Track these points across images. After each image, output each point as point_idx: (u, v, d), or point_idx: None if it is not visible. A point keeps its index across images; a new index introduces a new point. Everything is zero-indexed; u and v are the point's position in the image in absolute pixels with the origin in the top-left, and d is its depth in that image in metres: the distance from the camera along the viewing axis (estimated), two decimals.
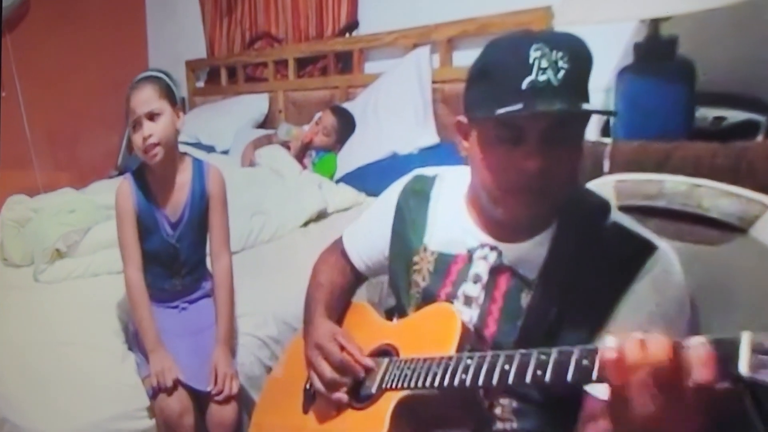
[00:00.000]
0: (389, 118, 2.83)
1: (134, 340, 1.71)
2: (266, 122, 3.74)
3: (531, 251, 1.02)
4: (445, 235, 1.14)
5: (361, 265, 1.35)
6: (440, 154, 2.52)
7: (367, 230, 1.33)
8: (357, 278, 1.37)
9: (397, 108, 2.82)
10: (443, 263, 1.13)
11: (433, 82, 2.80)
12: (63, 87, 4.15)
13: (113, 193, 1.66)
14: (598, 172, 1.47)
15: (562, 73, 0.90)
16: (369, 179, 2.67)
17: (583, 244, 0.99)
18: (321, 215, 2.60)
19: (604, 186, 1.27)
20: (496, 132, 0.97)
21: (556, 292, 0.98)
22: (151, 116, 1.56)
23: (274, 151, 3.10)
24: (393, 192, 1.26)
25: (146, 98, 1.56)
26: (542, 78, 0.90)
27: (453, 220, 1.14)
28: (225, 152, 3.51)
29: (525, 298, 1.02)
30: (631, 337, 0.71)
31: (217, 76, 4.24)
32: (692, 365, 0.66)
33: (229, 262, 1.70)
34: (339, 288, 1.34)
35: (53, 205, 2.30)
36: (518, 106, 0.90)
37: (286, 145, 3.15)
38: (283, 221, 2.48)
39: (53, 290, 2.03)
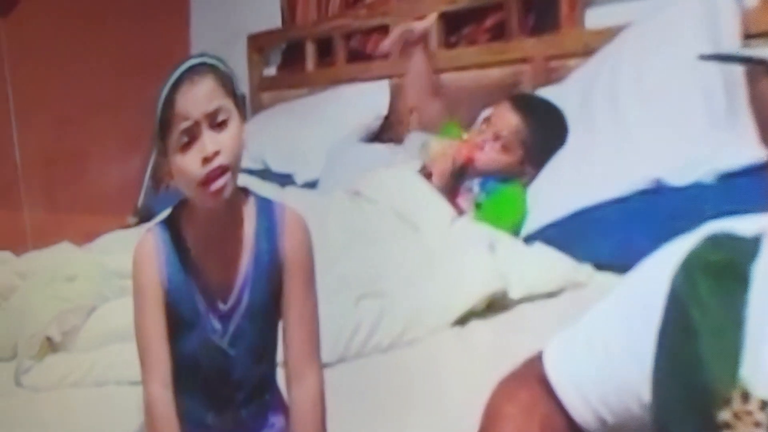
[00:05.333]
0: (645, 116, 2.23)
1: None
2: (384, 129, 3.18)
3: None
4: None
5: (587, 416, 1.01)
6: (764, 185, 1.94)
7: (598, 346, 0.99)
8: None
9: (664, 94, 2.21)
10: None
11: (747, 36, 2.11)
12: (66, 88, 3.74)
13: (131, 254, 1.37)
14: None
15: None
16: (598, 237, 2.10)
17: None
18: (495, 304, 2.01)
19: None
20: None
21: None
22: (216, 122, 1.25)
23: (403, 178, 2.54)
24: (659, 268, 0.92)
25: (206, 93, 1.25)
26: None
27: None
28: (311, 184, 3.05)
29: None
30: None
31: (300, 57, 3.73)
32: None
33: (317, 385, 1.34)
34: None
35: (46, 267, 2.17)
36: None
37: (424, 170, 2.56)
38: (419, 312, 1.99)
39: (41, 401, 1.82)
